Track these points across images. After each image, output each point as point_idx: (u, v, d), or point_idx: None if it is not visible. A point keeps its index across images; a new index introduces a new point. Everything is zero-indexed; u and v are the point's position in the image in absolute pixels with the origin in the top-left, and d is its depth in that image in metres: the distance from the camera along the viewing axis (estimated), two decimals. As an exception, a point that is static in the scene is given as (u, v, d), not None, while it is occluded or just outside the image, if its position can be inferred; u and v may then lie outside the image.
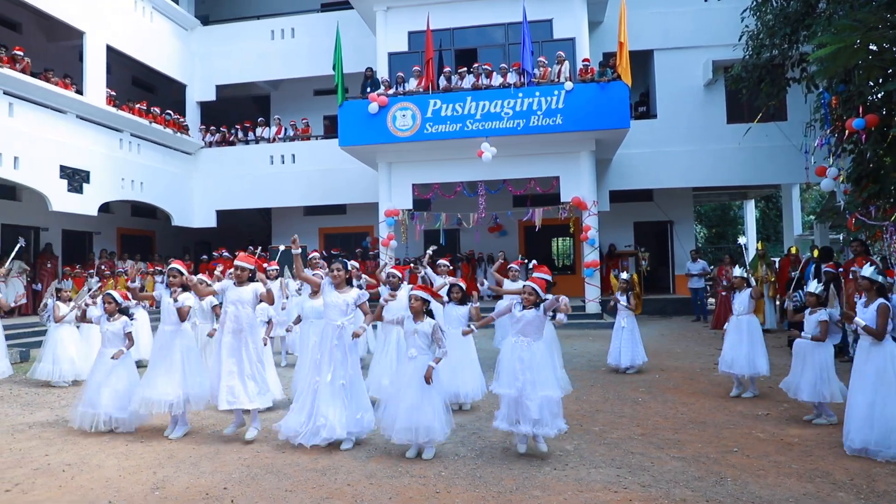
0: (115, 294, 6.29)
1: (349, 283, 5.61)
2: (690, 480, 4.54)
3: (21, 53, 13.30)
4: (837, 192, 10.68)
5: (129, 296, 6.43)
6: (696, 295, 15.44)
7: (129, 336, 6.17)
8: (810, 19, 11.38)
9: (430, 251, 8.49)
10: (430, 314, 5.20)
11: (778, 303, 12.65)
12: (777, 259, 15.63)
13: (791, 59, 12.89)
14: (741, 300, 7.39)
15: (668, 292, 18.66)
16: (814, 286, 6.19)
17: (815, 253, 10.71)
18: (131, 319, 6.30)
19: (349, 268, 5.66)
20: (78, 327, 8.80)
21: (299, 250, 5.61)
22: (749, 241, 24.18)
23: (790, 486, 4.39)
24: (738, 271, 7.55)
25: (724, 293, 13.48)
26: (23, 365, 9.77)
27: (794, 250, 13.21)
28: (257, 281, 5.92)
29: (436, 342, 5.05)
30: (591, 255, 14.64)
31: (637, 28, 16.35)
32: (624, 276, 9.01)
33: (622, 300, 8.77)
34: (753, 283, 7.76)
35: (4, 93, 12.68)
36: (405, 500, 4.23)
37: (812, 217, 22.66)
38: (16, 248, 8.45)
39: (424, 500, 4.24)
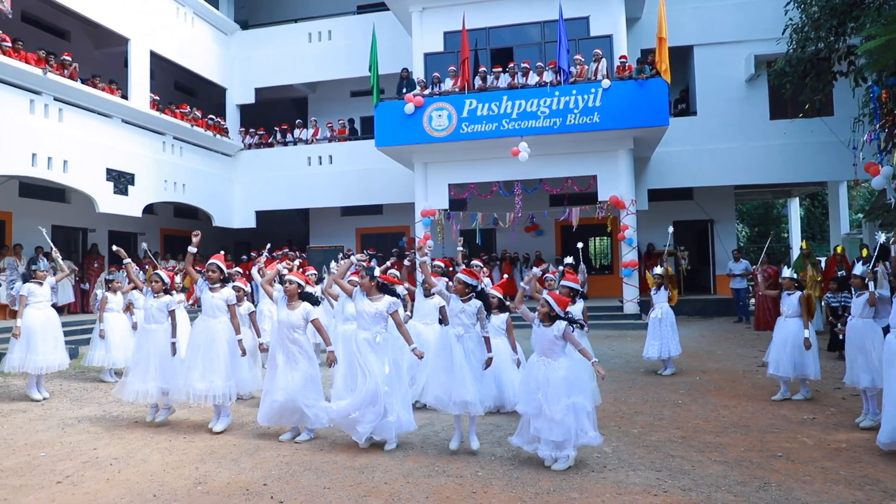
0: (162, 273, 6.54)
1: (385, 290, 5.49)
2: (733, 485, 4.43)
3: (69, 59, 13.75)
4: (888, 190, 10.33)
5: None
6: (738, 295, 15.09)
7: (171, 314, 6.38)
8: (858, 10, 11.05)
9: (460, 248, 8.53)
10: (480, 296, 5.26)
11: (824, 303, 12.29)
12: (823, 259, 15.18)
13: (838, 52, 12.51)
14: (790, 302, 7.17)
15: (709, 293, 18.28)
16: (859, 268, 6.06)
17: (865, 252, 10.37)
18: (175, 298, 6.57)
19: (376, 274, 5.58)
20: (131, 320, 9.12)
21: (351, 260, 5.82)
22: (793, 240, 23.56)
23: (838, 493, 4.26)
24: (787, 272, 7.35)
25: (761, 293, 13.17)
26: (72, 362, 10.08)
27: (840, 249, 12.81)
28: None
29: (480, 321, 5.19)
30: (629, 255, 14.44)
31: (676, 23, 16.06)
32: (658, 270, 8.88)
33: (656, 295, 8.66)
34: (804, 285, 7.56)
35: (55, 99, 13.13)
36: (442, 500, 4.23)
37: (860, 215, 21.96)
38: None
39: (461, 499, 4.23)
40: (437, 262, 7.31)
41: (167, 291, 6.51)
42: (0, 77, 11.85)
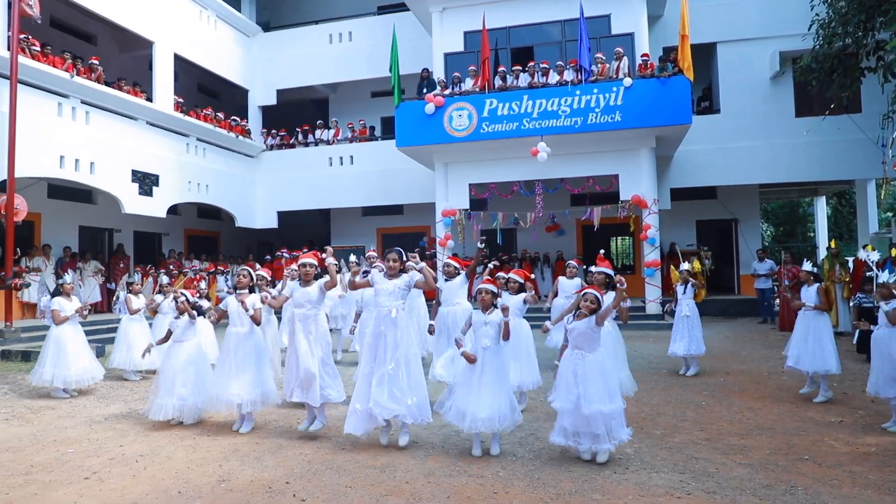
0: (188, 294, 6.63)
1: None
2: (758, 488, 4.36)
3: (97, 62, 14.00)
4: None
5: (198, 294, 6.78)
6: (762, 296, 14.87)
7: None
8: (888, 5, 10.82)
9: (480, 244, 8.52)
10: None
11: (852, 304, 12.06)
12: (851, 258, 14.89)
13: (866, 47, 12.27)
14: (809, 295, 7.11)
15: (733, 293, 18.05)
16: (886, 276, 5.92)
17: (895, 252, 10.15)
18: (202, 315, 6.68)
19: (405, 257, 5.67)
20: (150, 323, 9.24)
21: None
22: (820, 239, 23.16)
23: (868, 498, 4.17)
24: (806, 266, 7.29)
25: (785, 293, 12.98)
26: (99, 360, 10.25)
27: (869, 249, 12.55)
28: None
29: (504, 337, 5.16)
30: (651, 255, 14.31)
31: (699, 20, 15.87)
32: (685, 266, 8.78)
33: (683, 293, 8.57)
34: (823, 278, 7.46)
35: (82, 102, 13.38)
36: (463, 500, 4.22)
37: (889, 214, 21.51)
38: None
39: (482, 499, 4.23)
40: (449, 261, 7.31)
41: (195, 308, 6.58)
42: (29, 81, 12.10)
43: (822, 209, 23.77)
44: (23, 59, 11.74)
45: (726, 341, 11.78)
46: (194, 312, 6.48)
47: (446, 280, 7.07)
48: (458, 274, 7.07)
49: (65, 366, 7.62)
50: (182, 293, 6.61)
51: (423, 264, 5.71)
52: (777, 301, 15.95)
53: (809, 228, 28.66)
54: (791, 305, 7.24)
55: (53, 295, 8.22)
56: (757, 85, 16.58)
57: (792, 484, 4.43)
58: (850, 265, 12.84)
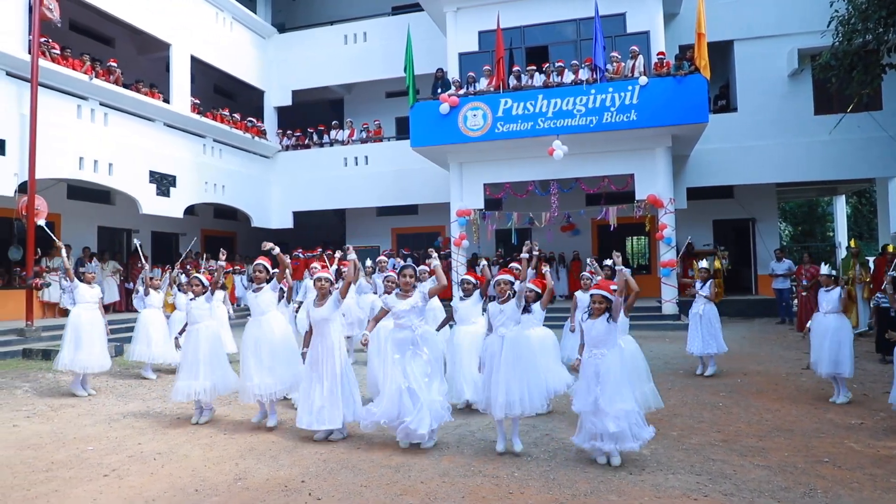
0: (202, 277, 6.73)
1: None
2: (776, 490, 4.32)
3: (115, 65, 14.17)
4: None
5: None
6: (781, 296, 14.70)
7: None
8: (909, 1, 10.65)
9: (486, 263, 8.52)
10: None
11: (871, 304, 11.89)
12: (872, 258, 14.67)
13: (887, 43, 12.07)
14: (829, 298, 7.02)
15: (751, 293, 17.87)
16: None
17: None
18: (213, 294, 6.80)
19: (418, 273, 5.69)
20: (168, 317, 9.35)
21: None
22: (840, 238, 22.85)
23: (889, 501, 4.11)
24: (825, 269, 7.21)
25: (804, 293, 12.83)
26: (117, 359, 10.38)
27: (891, 248, 12.36)
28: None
29: (519, 307, 5.27)
30: (667, 255, 14.21)
31: (716, 18, 15.74)
32: (704, 263, 8.71)
33: (701, 289, 8.50)
34: (843, 281, 7.35)
35: (101, 104, 13.55)
36: (478, 500, 4.22)
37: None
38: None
39: (497, 500, 4.22)
40: (467, 277, 6.95)
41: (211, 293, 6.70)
42: (49, 83, 12.27)
43: (841, 208, 23.45)
44: (43, 63, 11.91)
45: (744, 342, 11.67)
46: (218, 282, 6.62)
47: (462, 298, 6.75)
48: (475, 291, 6.78)
49: (80, 350, 7.76)
50: (196, 276, 6.71)
51: (437, 262, 5.71)
52: (795, 301, 15.77)
53: (828, 228, 28.30)
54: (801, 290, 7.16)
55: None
56: (775, 83, 16.41)
57: (811, 486, 4.37)
58: (871, 265, 12.68)
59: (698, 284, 8.61)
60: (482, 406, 5.26)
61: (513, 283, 5.35)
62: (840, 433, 5.69)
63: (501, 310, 5.27)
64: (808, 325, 7.32)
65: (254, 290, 6.26)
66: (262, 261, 6.38)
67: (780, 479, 4.52)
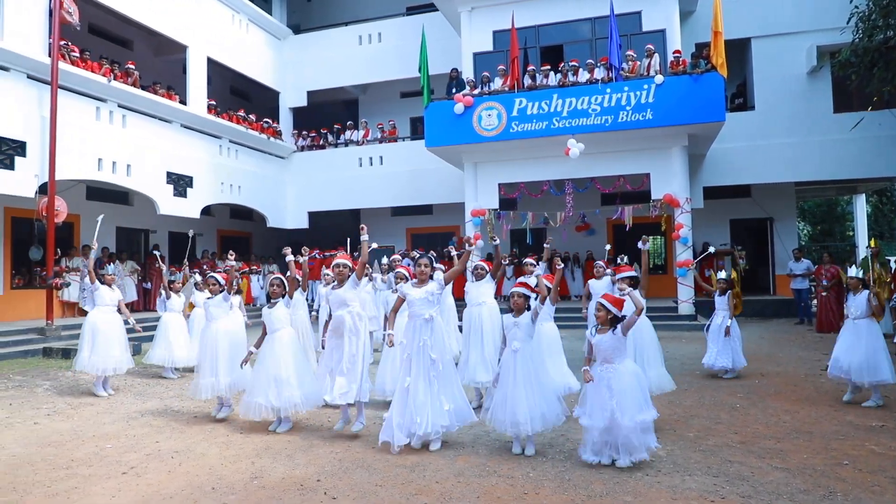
0: (218, 276, 6.80)
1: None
2: (795, 493, 4.26)
3: (133, 67, 14.33)
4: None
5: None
6: (799, 296, 14.54)
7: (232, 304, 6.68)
8: (931, -4, 10.48)
9: (493, 241, 8.55)
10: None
11: (890, 305, 11.72)
12: (893, 258, 14.48)
13: (909, 40, 11.91)
14: (858, 303, 6.84)
15: (768, 293, 17.68)
16: None
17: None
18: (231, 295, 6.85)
19: (434, 264, 5.71)
20: (187, 317, 9.43)
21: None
22: (859, 238, 22.54)
23: (910, 504, 4.05)
24: (853, 271, 6.98)
25: (823, 293, 12.67)
26: (134, 358, 10.49)
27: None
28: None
29: (533, 319, 5.20)
30: (683, 255, 14.10)
31: (733, 15, 15.59)
32: (722, 275, 8.60)
33: (719, 300, 8.40)
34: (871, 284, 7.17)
35: (119, 106, 13.71)
36: (493, 500, 4.22)
37: (933, 212, 20.84)
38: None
39: (512, 500, 4.21)
40: (480, 263, 7.34)
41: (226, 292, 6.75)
42: (68, 86, 12.44)
43: (861, 207, 23.13)
44: (63, 65, 12.07)
45: (762, 342, 11.55)
46: (233, 282, 6.68)
47: (475, 281, 7.14)
48: (486, 275, 7.14)
49: (98, 351, 7.83)
50: (211, 275, 6.76)
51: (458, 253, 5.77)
52: (814, 302, 15.57)
53: (848, 227, 27.93)
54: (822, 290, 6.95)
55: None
56: (793, 80, 16.23)
57: (831, 489, 4.32)
58: (893, 265, 12.50)
59: (717, 295, 8.48)
60: (498, 426, 5.13)
61: (528, 297, 5.25)
62: (860, 435, 5.61)
63: (516, 323, 5.18)
64: (841, 332, 7.02)
65: (269, 307, 6.16)
66: (279, 276, 6.43)
67: (798, 482, 4.46)
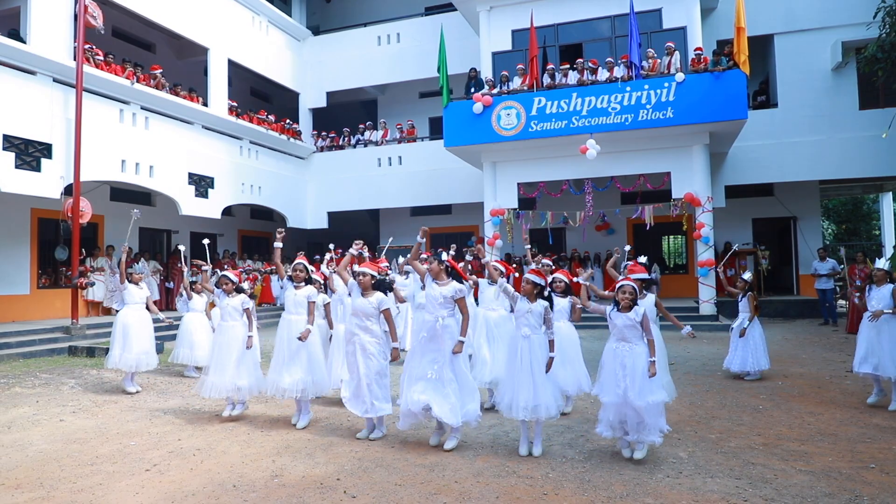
0: (230, 274, 6.85)
1: (453, 276, 5.56)
2: (819, 497, 4.20)
3: (158, 72, 14.53)
4: None
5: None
6: (824, 297, 14.28)
7: (247, 311, 6.67)
8: (960, -10, 10.25)
9: (528, 246, 8.50)
10: (545, 297, 5.22)
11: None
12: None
13: (937, 35, 11.67)
14: (881, 296, 6.66)
15: (792, 293, 17.42)
16: None
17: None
18: (250, 297, 6.92)
19: (444, 261, 5.65)
20: (209, 317, 9.54)
21: (424, 239, 5.92)
22: (886, 237, 22.14)
23: (939, 509, 3.96)
24: (880, 263, 6.81)
25: (857, 294, 12.41)
26: (158, 357, 10.63)
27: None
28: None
29: (546, 323, 5.14)
30: (704, 254, 13.94)
31: (756, 12, 15.40)
32: (746, 276, 8.50)
33: (741, 302, 8.30)
34: None
35: (142, 108, 13.90)
36: (512, 500, 4.21)
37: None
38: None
39: (532, 500, 4.20)
40: (496, 264, 7.13)
41: (239, 291, 6.79)
42: (93, 88, 12.64)
43: (888, 206, 22.71)
44: (87, 69, 12.27)
45: (785, 343, 11.38)
46: (256, 275, 6.76)
47: (490, 283, 6.98)
48: (501, 278, 6.92)
49: (130, 348, 8.00)
50: (225, 275, 6.81)
51: (486, 259, 5.75)
52: (841, 302, 15.30)
53: (874, 226, 27.41)
54: (870, 318, 6.73)
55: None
56: (817, 77, 15.98)
57: (856, 493, 4.24)
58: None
59: (740, 298, 8.38)
60: (504, 409, 5.15)
61: (538, 284, 5.20)
62: (887, 438, 5.51)
63: (530, 309, 5.15)
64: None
65: (294, 287, 6.34)
66: (302, 260, 6.50)
67: (823, 485, 4.39)
